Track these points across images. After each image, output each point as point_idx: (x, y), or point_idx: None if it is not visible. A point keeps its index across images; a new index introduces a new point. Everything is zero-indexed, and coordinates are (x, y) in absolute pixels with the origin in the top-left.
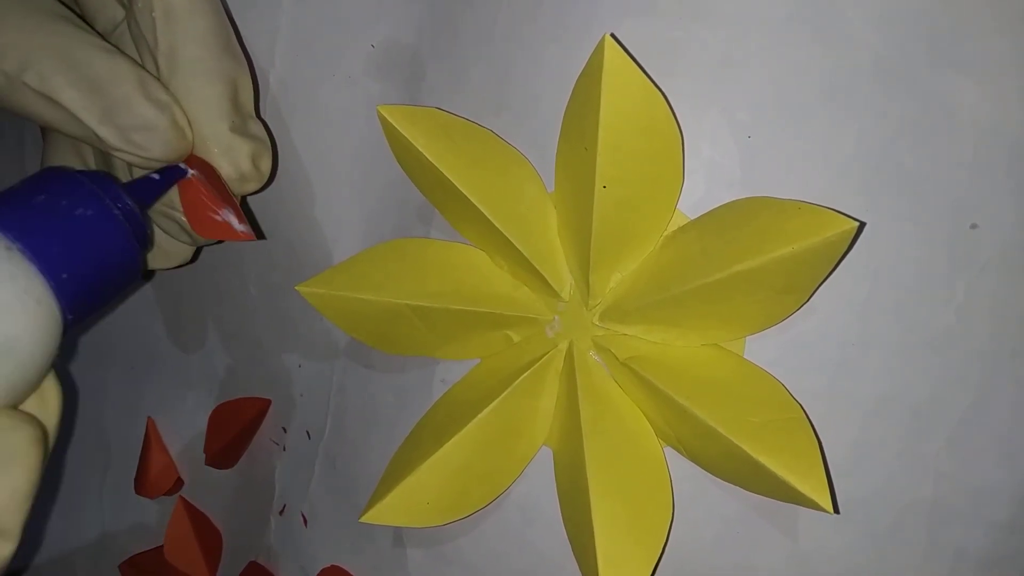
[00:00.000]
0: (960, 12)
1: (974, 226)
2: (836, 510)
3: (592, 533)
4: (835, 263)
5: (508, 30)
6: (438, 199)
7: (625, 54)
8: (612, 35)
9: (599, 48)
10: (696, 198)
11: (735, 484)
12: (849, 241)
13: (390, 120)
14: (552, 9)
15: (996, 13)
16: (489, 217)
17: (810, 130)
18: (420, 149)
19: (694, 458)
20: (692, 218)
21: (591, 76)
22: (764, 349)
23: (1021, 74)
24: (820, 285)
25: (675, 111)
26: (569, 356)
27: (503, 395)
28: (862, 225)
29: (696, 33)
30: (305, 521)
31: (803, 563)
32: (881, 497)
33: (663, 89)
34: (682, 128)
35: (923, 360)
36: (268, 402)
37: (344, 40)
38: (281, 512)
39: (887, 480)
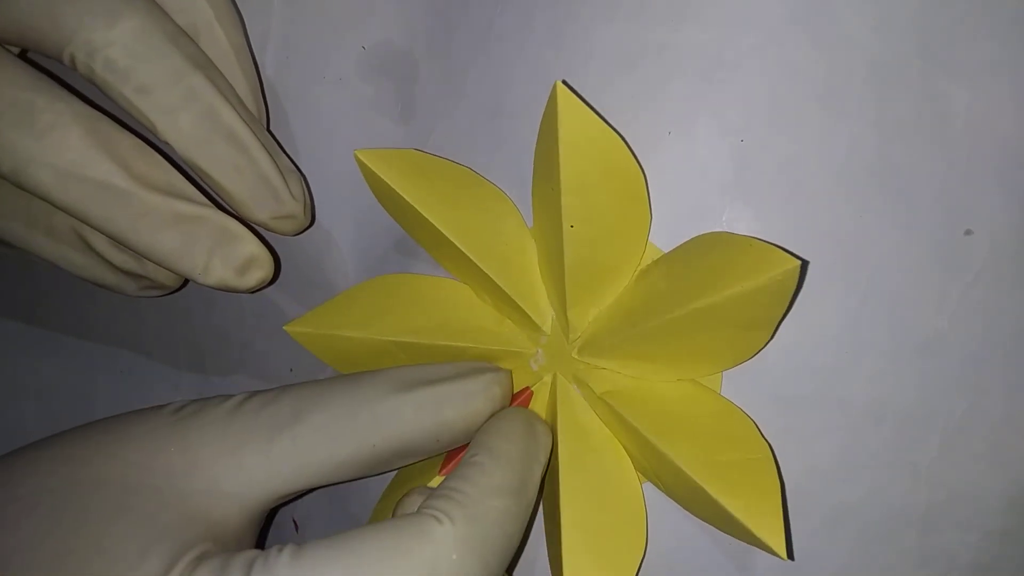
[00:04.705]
0: (954, 16)
1: (968, 232)
2: (791, 556)
3: (561, 570)
4: (788, 301)
5: (503, 33)
6: (420, 237)
7: (578, 99)
8: (564, 81)
9: (552, 95)
10: (689, 204)
11: (705, 521)
12: (795, 279)
13: (367, 163)
14: (544, 12)
15: (990, 18)
16: (468, 255)
17: (803, 134)
18: (398, 191)
19: (669, 493)
20: (665, 252)
21: (549, 121)
22: (755, 356)
23: (1015, 80)
24: (782, 321)
25: (666, 114)
26: (553, 390)
27: None
28: (805, 264)
29: (687, 35)
30: (296, 527)
31: (793, 570)
32: (872, 504)
33: (653, 92)
34: (673, 131)
35: (915, 366)
36: None
37: (335, 41)
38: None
39: (878, 486)
